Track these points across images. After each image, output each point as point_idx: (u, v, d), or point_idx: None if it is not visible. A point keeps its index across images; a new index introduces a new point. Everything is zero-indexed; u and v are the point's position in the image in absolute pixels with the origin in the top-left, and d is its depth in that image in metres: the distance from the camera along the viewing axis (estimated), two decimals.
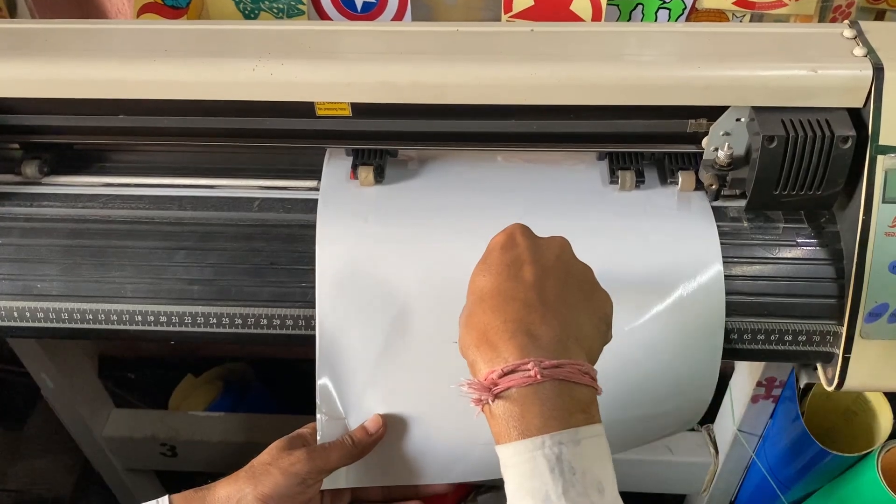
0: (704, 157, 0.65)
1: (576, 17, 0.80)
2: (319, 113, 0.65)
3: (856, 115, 0.60)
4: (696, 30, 0.64)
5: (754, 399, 0.87)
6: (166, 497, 0.57)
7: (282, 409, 1.21)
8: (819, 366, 0.67)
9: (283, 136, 0.68)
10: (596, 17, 0.80)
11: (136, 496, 1.15)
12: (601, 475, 0.42)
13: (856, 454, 0.84)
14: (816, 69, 0.59)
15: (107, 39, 0.66)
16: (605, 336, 0.49)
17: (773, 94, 0.60)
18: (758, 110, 0.61)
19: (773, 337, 0.64)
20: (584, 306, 0.48)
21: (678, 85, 0.60)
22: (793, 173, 0.60)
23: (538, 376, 0.42)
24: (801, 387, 0.73)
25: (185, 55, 0.63)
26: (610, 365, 0.51)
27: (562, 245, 0.51)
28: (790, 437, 0.86)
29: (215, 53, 0.63)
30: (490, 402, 0.43)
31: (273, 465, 0.59)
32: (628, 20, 0.83)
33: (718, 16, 0.83)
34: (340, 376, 0.64)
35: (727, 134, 0.63)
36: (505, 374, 0.43)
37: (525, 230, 0.51)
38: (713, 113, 0.63)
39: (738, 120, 0.62)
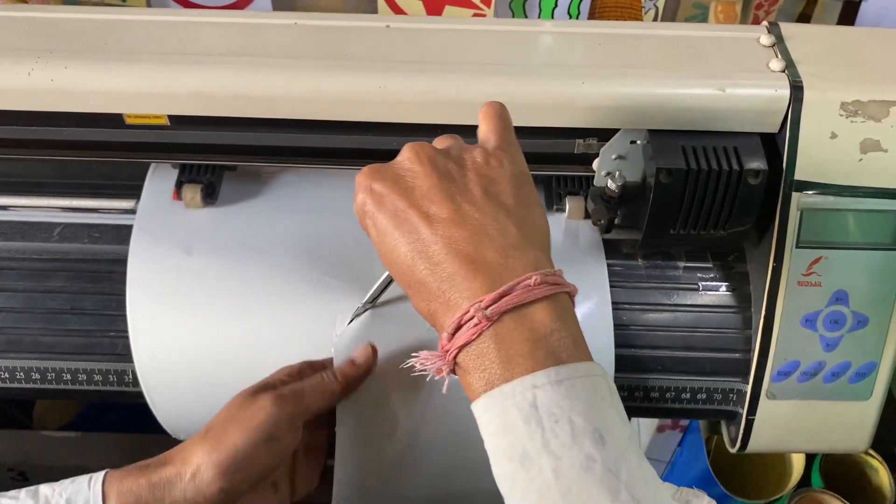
0: (594, 184, 0.55)
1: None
2: (129, 122, 0.53)
3: (770, 142, 0.50)
4: (586, 30, 0.53)
5: (660, 429, 0.79)
6: (101, 473, 0.44)
7: (151, 426, 1.09)
8: (722, 423, 0.59)
9: (85, 148, 0.55)
10: None
11: None
12: (599, 422, 0.34)
13: (762, 502, 0.77)
14: (724, 87, 0.49)
15: None
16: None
17: (671, 117, 0.49)
18: (654, 133, 0.50)
19: (668, 395, 0.55)
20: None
21: (556, 105, 0.49)
22: (693, 212, 0.50)
23: (483, 322, 0.35)
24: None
25: None
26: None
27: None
28: (695, 471, 0.79)
29: None
30: (445, 371, 0.37)
31: (231, 421, 0.46)
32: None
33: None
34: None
35: (621, 157, 0.53)
36: (454, 334, 0.36)
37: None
38: (605, 132, 0.52)
39: (632, 142, 0.52)
